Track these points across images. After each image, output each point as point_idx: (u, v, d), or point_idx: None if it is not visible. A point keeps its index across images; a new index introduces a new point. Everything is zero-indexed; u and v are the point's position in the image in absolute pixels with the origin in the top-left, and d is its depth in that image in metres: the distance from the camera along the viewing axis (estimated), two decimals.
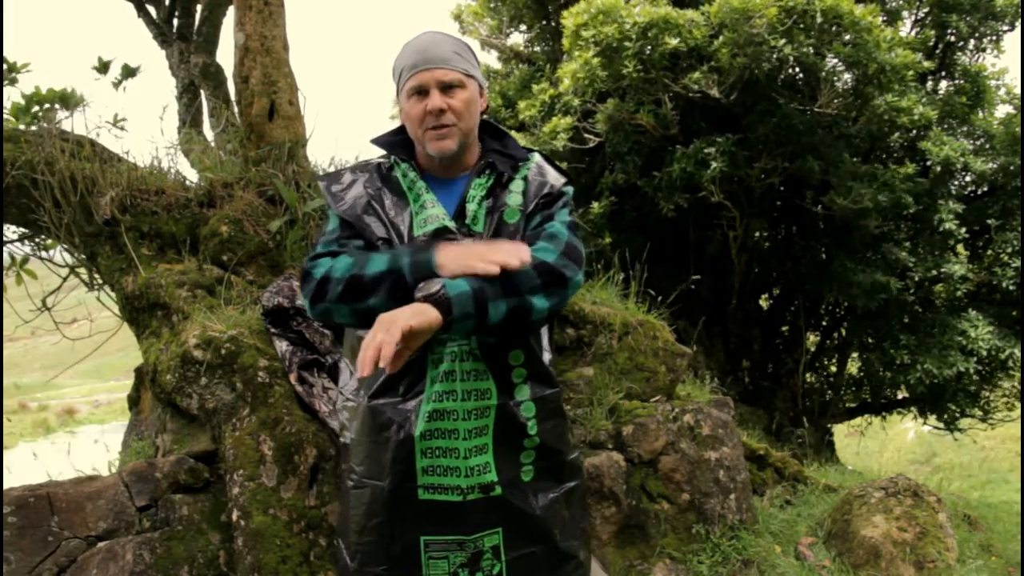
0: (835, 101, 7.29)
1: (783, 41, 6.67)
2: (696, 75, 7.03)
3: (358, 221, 1.55)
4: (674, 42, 6.85)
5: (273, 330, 2.61)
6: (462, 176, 1.59)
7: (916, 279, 8.05)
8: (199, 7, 5.23)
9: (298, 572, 2.22)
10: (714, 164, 7.06)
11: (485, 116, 1.65)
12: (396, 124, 1.72)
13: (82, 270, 3.42)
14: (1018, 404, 8.91)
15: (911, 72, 7.08)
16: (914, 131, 7.78)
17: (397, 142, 1.63)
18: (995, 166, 8.14)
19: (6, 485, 2.23)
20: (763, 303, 10.17)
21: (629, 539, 2.82)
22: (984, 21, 8.50)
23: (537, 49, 10.39)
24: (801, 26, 6.78)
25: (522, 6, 9.90)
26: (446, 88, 1.50)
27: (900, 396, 9.34)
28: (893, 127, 7.45)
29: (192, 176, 3.65)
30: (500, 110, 9.29)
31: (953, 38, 8.81)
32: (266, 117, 3.42)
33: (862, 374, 9.38)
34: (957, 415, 8.82)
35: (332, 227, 1.58)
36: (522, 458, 1.53)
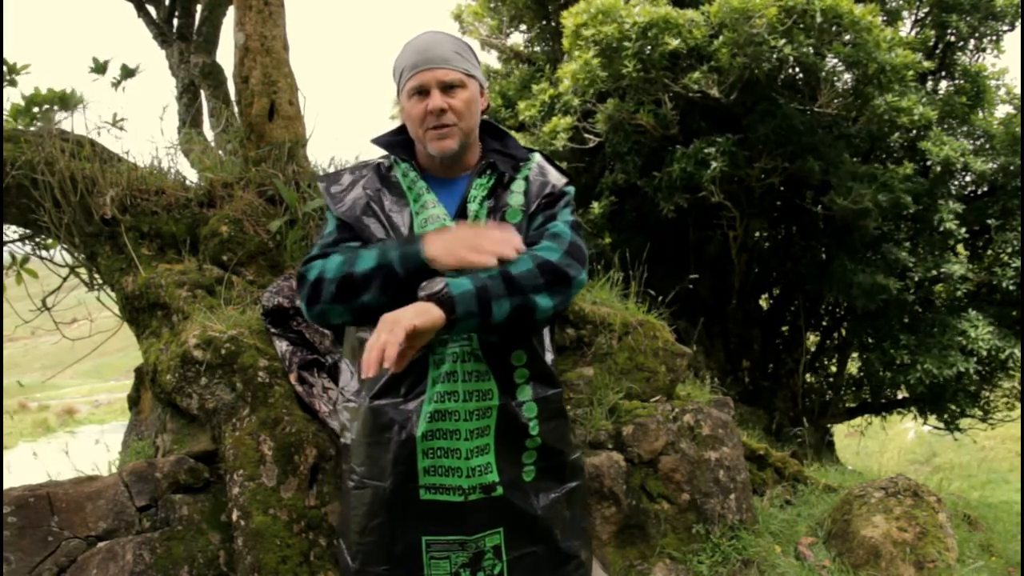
0: (835, 101, 7.29)
1: (783, 41, 6.67)
2: (696, 75, 7.03)
3: (357, 222, 1.55)
4: (674, 42, 6.85)
5: (273, 330, 2.61)
6: (463, 176, 1.59)
7: (916, 279, 8.05)
8: (199, 7, 5.23)
9: (298, 572, 2.22)
10: (714, 164, 7.06)
11: (485, 116, 1.65)
12: (396, 124, 1.72)
13: (82, 270, 3.42)
14: (1018, 404, 8.91)
15: (911, 72, 7.08)
16: (914, 131, 7.78)
17: (398, 142, 1.63)
18: (995, 166, 8.14)
19: (6, 485, 2.23)
20: (763, 303, 10.17)
21: (629, 539, 2.82)
22: (984, 21, 8.50)
23: (537, 49, 10.40)
24: (801, 26, 6.78)
25: (522, 6, 9.90)
26: (447, 88, 1.50)
27: (900, 396, 9.34)
28: (893, 127, 7.45)
29: (192, 176, 3.65)
30: (500, 110, 9.29)
31: (953, 38, 8.81)
32: (266, 117, 3.42)
33: (862, 374, 9.38)
34: (957, 415, 8.82)
35: (329, 229, 1.58)
36: (524, 458, 1.53)
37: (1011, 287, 8.13)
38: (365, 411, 1.53)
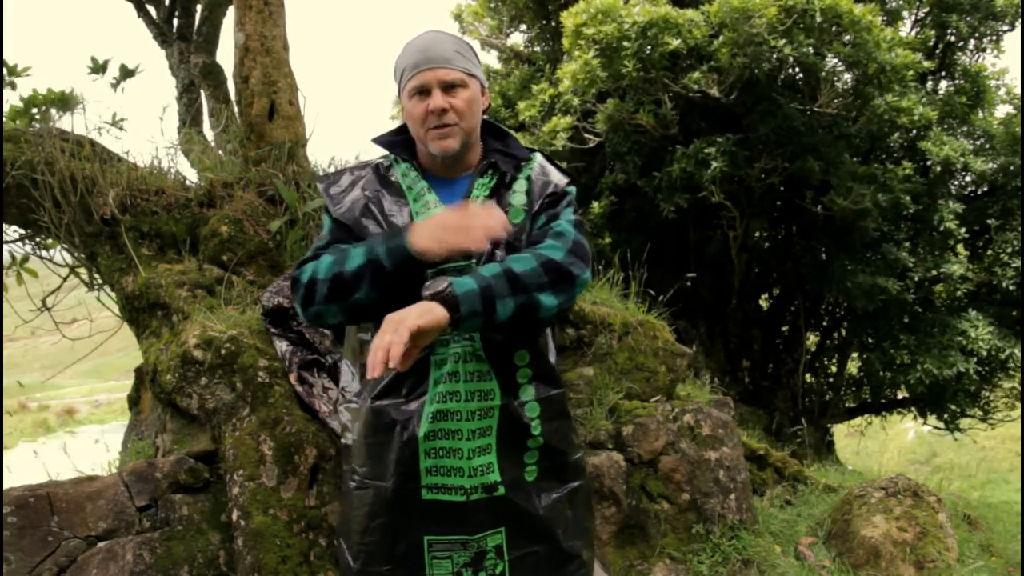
0: (835, 101, 7.29)
1: (783, 41, 6.67)
2: (696, 75, 7.03)
3: (356, 224, 1.54)
4: (674, 42, 6.85)
5: (273, 330, 2.61)
6: (464, 176, 1.59)
7: (916, 279, 8.05)
8: (199, 7, 5.23)
9: (298, 572, 2.22)
10: (714, 164, 7.06)
11: (486, 116, 1.65)
12: (396, 124, 1.72)
13: (82, 270, 3.42)
14: (1018, 404, 8.91)
15: (911, 72, 7.08)
16: (914, 131, 7.78)
17: (398, 142, 1.63)
18: (995, 166, 8.14)
19: (6, 485, 2.23)
20: (763, 303, 10.17)
21: (629, 539, 2.82)
22: (984, 21, 8.50)
23: (537, 49, 10.40)
24: (801, 26, 6.78)
25: (522, 6, 9.90)
26: (448, 87, 1.50)
27: (900, 396, 9.35)
28: (893, 127, 7.45)
29: (192, 176, 3.65)
30: (500, 110, 9.29)
31: (953, 38, 8.81)
32: (266, 117, 3.42)
33: (862, 374, 9.38)
34: (957, 415, 8.82)
35: (324, 231, 1.58)
36: (526, 458, 1.53)
37: (1011, 287, 8.13)
38: (367, 411, 1.53)
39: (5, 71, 3.81)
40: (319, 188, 1.65)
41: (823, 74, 7.20)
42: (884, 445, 16.04)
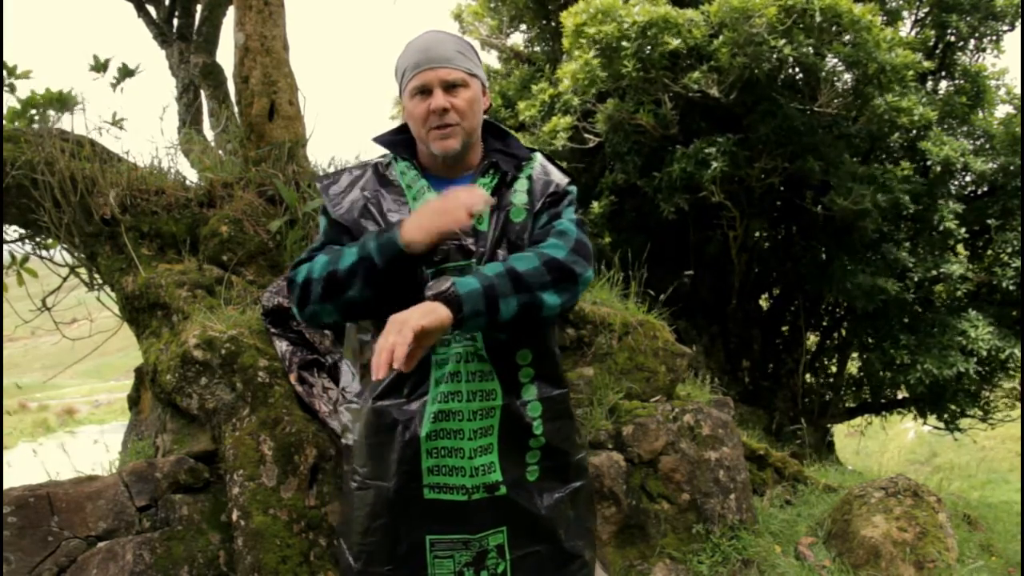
0: (835, 101, 7.29)
1: (783, 41, 6.67)
2: (696, 75, 7.03)
3: (355, 224, 1.54)
4: (674, 42, 6.85)
5: (273, 330, 2.61)
6: (465, 176, 1.59)
7: (916, 279, 8.05)
8: (199, 7, 5.23)
9: (298, 572, 2.22)
10: (715, 164, 7.06)
11: (486, 116, 1.65)
12: (396, 124, 1.72)
13: (82, 270, 3.42)
14: (1018, 404, 8.91)
15: (911, 72, 7.08)
16: (914, 131, 7.78)
17: (399, 141, 1.63)
18: (995, 166, 8.14)
19: (6, 485, 2.23)
20: (763, 303, 10.17)
21: (629, 539, 2.82)
22: (984, 21, 8.50)
23: (537, 49, 10.40)
24: (801, 26, 6.78)
25: (522, 6, 9.90)
26: (449, 87, 1.50)
27: (900, 396, 9.35)
28: (893, 127, 7.45)
29: (192, 176, 3.66)
30: (500, 110, 9.29)
31: (953, 38, 8.81)
32: (266, 117, 3.42)
33: (862, 374, 9.38)
34: (957, 415, 8.82)
35: (320, 232, 1.59)
36: (527, 458, 1.53)
37: (1011, 287, 8.13)
38: (368, 412, 1.53)
39: (5, 72, 3.81)
40: (319, 188, 1.65)
41: (823, 74, 7.20)
42: (884, 445, 16.04)
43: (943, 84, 9.18)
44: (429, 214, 1.37)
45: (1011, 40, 11.62)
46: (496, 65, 10.83)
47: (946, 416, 8.83)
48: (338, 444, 2.37)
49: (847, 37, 6.92)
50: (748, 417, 7.64)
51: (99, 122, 4.31)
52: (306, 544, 2.27)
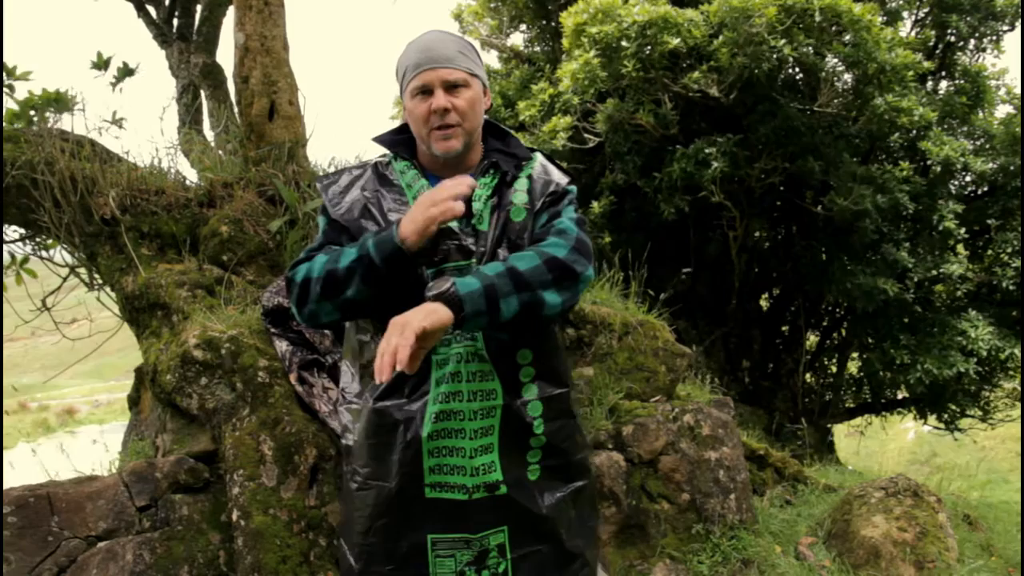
0: (835, 101, 7.29)
1: (783, 41, 6.67)
2: (696, 75, 7.03)
3: (355, 224, 1.55)
4: (674, 41, 6.85)
5: (273, 330, 2.61)
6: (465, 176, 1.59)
7: (916, 279, 8.05)
8: (199, 7, 5.23)
9: (298, 572, 2.22)
10: (715, 164, 7.06)
11: (486, 116, 1.65)
12: (396, 124, 1.72)
13: (82, 270, 3.42)
14: (1018, 404, 8.91)
15: (911, 72, 7.08)
16: (914, 131, 7.78)
17: (399, 140, 1.63)
18: (995, 166, 8.14)
19: (6, 485, 2.23)
20: (763, 303, 10.17)
21: (629, 539, 2.82)
22: (984, 21, 8.50)
23: (537, 49, 10.40)
24: (801, 26, 6.78)
25: (522, 6, 9.90)
26: (450, 87, 1.50)
27: (900, 396, 9.35)
28: (893, 127, 7.45)
29: (192, 176, 3.66)
30: (500, 110, 9.29)
31: (953, 38, 8.81)
32: (266, 117, 3.42)
33: (862, 374, 9.38)
34: (957, 415, 8.82)
35: (320, 232, 1.59)
36: (528, 457, 1.54)
37: (1011, 287, 8.13)
38: (369, 412, 1.52)
39: (5, 73, 3.81)
40: (319, 188, 1.65)
41: (823, 74, 7.20)
42: (884, 445, 16.04)
43: (943, 84, 9.18)
44: (419, 207, 1.39)
45: (1011, 40, 11.63)
46: (496, 65, 10.83)
47: (946, 416, 8.83)
48: (338, 444, 2.37)
49: (847, 37, 6.92)
50: (748, 417, 7.64)
51: (99, 122, 4.31)
52: (306, 544, 2.27)
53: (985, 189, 8.70)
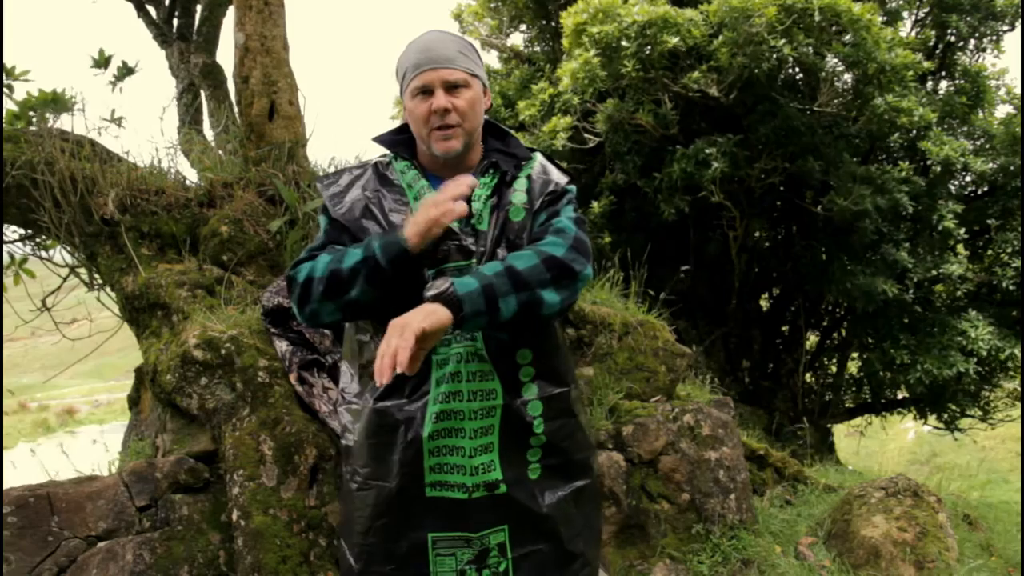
0: (835, 101, 7.29)
1: (783, 41, 6.67)
2: (695, 75, 7.03)
3: (356, 224, 1.55)
4: (673, 41, 6.84)
5: (273, 330, 2.61)
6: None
7: (916, 279, 8.05)
8: (199, 7, 5.23)
9: (298, 572, 2.22)
10: (715, 164, 7.06)
11: (486, 115, 1.65)
12: (396, 124, 1.72)
13: (82, 270, 3.42)
14: (1018, 404, 8.91)
15: (911, 72, 7.08)
16: (914, 131, 7.78)
17: (399, 140, 1.63)
18: (995, 166, 8.14)
19: (6, 485, 2.23)
20: (763, 303, 10.17)
21: (629, 539, 2.82)
22: (984, 21, 8.50)
23: (537, 49, 10.40)
24: (800, 25, 6.78)
25: (522, 6, 9.91)
26: (451, 88, 1.50)
27: (900, 396, 9.35)
28: (893, 127, 7.45)
29: (192, 176, 3.66)
30: (500, 110, 9.29)
31: (953, 38, 8.81)
32: (266, 117, 3.42)
33: (862, 374, 9.38)
34: (957, 415, 8.82)
35: (320, 231, 1.59)
36: (528, 456, 1.54)
37: (1011, 287, 8.13)
38: (369, 412, 1.53)
39: (4, 74, 3.81)
40: (319, 188, 1.65)
41: (823, 74, 7.20)
42: (884, 445, 16.04)
43: (943, 84, 9.18)
44: (421, 209, 1.39)
45: (1011, 40, 11.62)
46: (496, 65, 10.83)
47: (946, 416, 8.83)
48: (338, 444, 2.37)
49: (847, 37, 6.92)
50: (748, 417, 7.64)
51: (99, 122, 4.31)
52: (306, 544, 2.27)
53: (985, 189, 8.70)
